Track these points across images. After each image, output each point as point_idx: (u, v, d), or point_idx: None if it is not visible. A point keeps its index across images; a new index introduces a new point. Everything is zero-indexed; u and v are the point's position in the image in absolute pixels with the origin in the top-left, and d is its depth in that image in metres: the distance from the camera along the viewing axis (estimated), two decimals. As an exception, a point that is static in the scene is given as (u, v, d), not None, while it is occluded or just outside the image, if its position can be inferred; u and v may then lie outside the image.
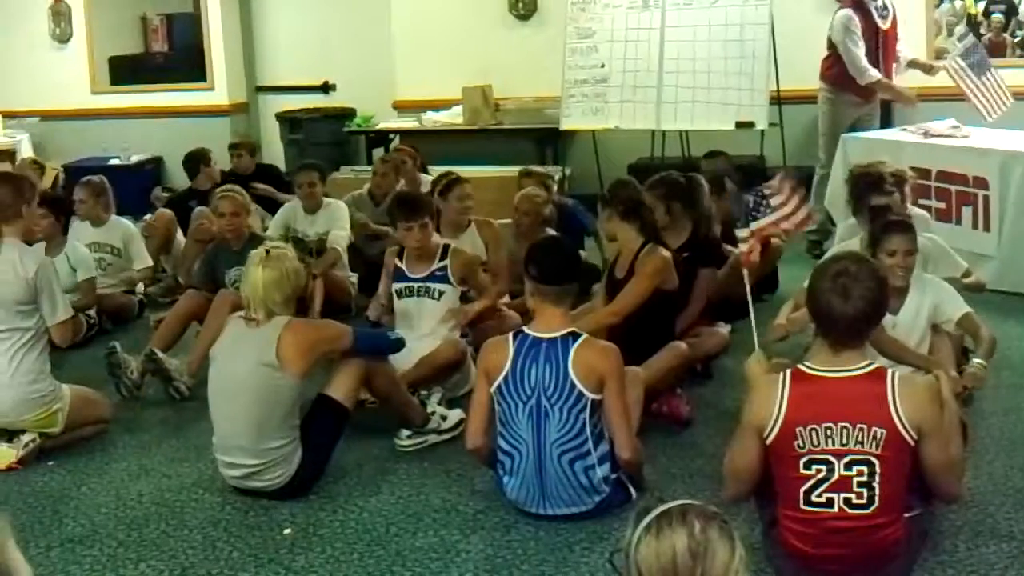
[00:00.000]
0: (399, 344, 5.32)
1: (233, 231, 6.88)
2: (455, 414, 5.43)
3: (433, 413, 5.39)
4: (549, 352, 4.36)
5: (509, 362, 4.40)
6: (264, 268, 4.73)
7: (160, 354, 6.13)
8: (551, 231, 7.27)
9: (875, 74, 8.62)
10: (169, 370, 6.08)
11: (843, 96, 8.87)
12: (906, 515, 3.74)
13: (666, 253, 5.66)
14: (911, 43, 9.77)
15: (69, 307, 5.55)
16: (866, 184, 5.94)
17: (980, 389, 5.14)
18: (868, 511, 3.61)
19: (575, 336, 4.40)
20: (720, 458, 4.20)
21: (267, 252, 4.81)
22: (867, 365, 3.68)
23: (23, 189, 5.56)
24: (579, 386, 4.30)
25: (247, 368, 4.68)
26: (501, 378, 4.40)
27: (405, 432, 5.31)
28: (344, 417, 4.93)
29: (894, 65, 8.89)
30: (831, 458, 3.59)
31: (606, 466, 4.40)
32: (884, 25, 8.78)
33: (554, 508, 4.42)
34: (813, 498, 3.64)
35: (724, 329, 6.23)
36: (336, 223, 7.86)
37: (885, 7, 8.81)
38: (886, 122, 9.34)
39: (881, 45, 8.78)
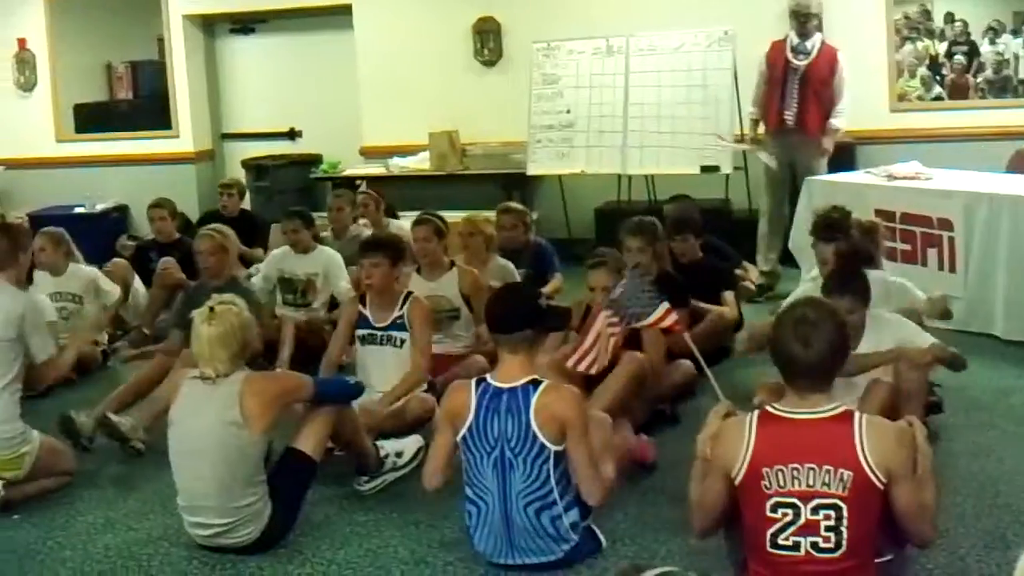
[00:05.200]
0: (359, 389, 5.33)
1: (210, 270, 6.95)
2: (411, 444, 5.48)
3: (387, 456, 5.39)
4: (510, 403, 4.31)
5: (472, 413, 4.36)
6: (209, 325, 4.68)
7: (113, 418, 5.97)
8: (503, 260, 7.48)
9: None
10: (123, 432, 5.93)
11: None
12: (877, 560, 3.73)
13: None
14: (873, 86, 9.90)
15: (55, 343, 5.68)
16: (819, 229, 6.04)
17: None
18: (835, 555, 3.59)
19: (536, 384, 4.35)
20: (687, 503, 4.16)
21: (211, 308, 4.73)
22: (834, 407, 3.68)
23: (19, 238, 5.78)
24: (541, 438, 4.25)
25: (209, 427, 4.62)
26: (465, 429, 4.36)
27: (363, 478, 5.31)
28: (313, 470, 4.89)
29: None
30: (797, 502, 3.58)
31: (574, 513, 4.35)
32: (799, 63, 8.96)
33: (522, 558, 4.38)
34: (780, 541, 3.62)
35: (686, 362, 6.21)
36: (335, 270, 7.88)
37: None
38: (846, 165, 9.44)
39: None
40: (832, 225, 6.08)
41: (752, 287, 7.65)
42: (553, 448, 4.27)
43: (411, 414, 5.85)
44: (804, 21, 8.97)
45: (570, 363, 5.34)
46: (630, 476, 5.27)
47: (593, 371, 5.39)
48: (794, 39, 9.02)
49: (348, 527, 4.96)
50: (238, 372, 4.71)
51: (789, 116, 8.95)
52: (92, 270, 8.04)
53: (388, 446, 5.45)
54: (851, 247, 5.94)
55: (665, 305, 5.38)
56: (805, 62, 8.94)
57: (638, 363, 5.66)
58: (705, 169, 9.56)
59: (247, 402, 4.61)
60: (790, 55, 8.98)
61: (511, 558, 4.40)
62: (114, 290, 7.99)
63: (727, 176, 9.75)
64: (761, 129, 9.35)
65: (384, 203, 9.41)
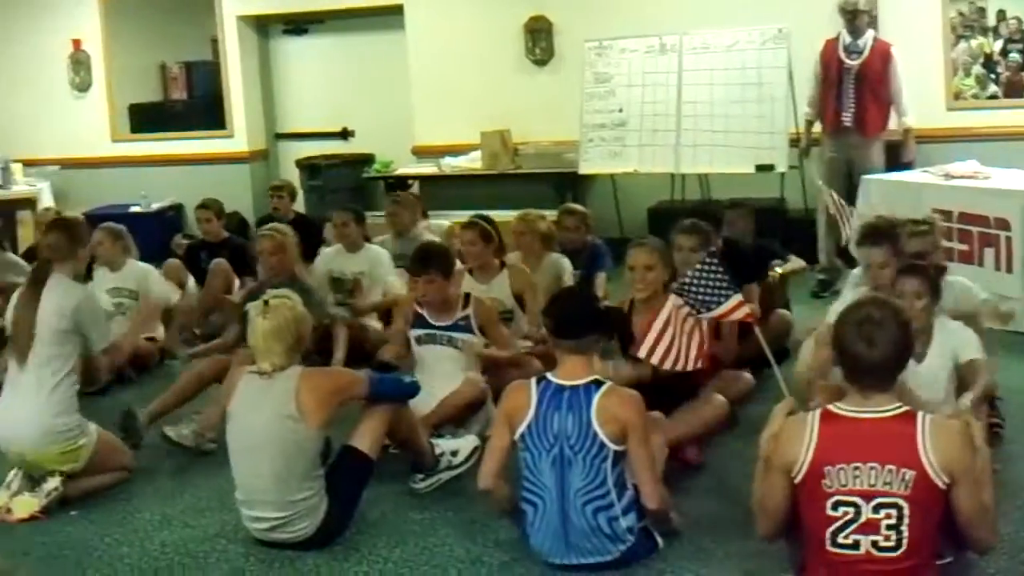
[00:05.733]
0: (415, 388, 5.31)
1: (273, 270, 7.06)
2: (466, 444, 5.49)
3: (442, 454, 5.41)
4: (572, 400, 4.32)
5: (532, 409, 4.37)
6: (264, 318, 4.73)
7: (172, 434, 5.88)
8: (556, 254, 7.52)
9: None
10: (188, 445, 5.87)
11: None
12: (938, 563, 3.70)
13: None
14: (929, 84, 9.79)
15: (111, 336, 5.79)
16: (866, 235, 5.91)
17: None
18: (896, 554, 3.57)
19: (598, 384, 4.37)
20: (745, 505, 4.14)
21: (266, 302, 4.79)
22: (897, 407, 3.65)
23: (77, 233, 5.91)
24: (601, 436, 4.25)
25: (267, 421, 4.66)
26: (524, 426, 4.37)
27: (419, 476, 5.34)
28: (369, 468, 4.91)
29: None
30: (858, 500, 3.56)
31: (631, 516, 4.34)
32: (852, 63, 8.97)
33: (578, 557, 4.37)
34: (840, 540, 3.61)
35: (747, 375, 6.16)
36: (383, 267, 7.91)
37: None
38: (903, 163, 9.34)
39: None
40: (879, 230, 5.95)
41: (776, 275, 7.52)
42: (613, 447, 4.26)
43: (464, 396, 5.84)
44: (852, 19, 8.92)
45: (642, 352, 5.12)
46: (684, 477, 5.25)
47: (679, 367, 5.14)
48: (846, 38, 8.97)
49: (404, 525, 4.98)
50: (294, 367, 4.75)
51: (847, 117, 8.91)
52: (148, 267, 8.10)
53: (443, 445, 5.47)
54: (915, 253, 5.82)
55: (738, 296, 5.22)
56: (858, 61, 8.89)
57: (723, 410, 5.50)
58: (760, 168, 9.51)
59: (303, 397, 4.66)
60: (843, 55, 8.94)
61: (567, 558, 4.39)
62: (165, 292, 8.01)
63: (782, 175, 9.70)
64: (817, 129, 9.29)
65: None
